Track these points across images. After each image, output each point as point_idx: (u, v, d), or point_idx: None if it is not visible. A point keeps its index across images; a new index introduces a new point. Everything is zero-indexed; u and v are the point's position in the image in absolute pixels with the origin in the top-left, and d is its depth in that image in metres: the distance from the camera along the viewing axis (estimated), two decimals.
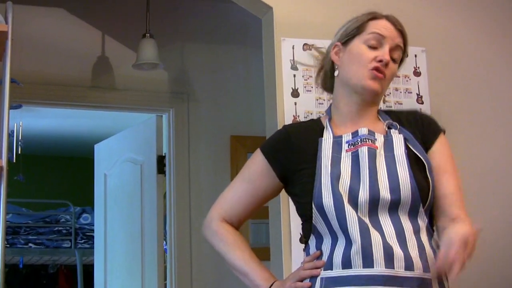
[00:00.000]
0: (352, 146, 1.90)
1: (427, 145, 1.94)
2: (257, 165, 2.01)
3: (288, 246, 2.84)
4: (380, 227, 1.80)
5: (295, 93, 2.99)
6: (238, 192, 2.02)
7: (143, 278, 4.57)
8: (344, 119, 1.98)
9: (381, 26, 1.95)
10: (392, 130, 1.94)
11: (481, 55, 3.34)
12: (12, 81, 2.82)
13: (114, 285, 4.92)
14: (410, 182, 1.82)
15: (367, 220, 1.80)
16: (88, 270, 6.46)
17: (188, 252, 4.41)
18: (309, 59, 3.03)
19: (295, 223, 2.85)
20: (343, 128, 1.96)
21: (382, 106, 2.09)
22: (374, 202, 1.81)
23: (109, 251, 5.01)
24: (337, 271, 1.80)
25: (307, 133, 1.99)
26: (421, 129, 1.97)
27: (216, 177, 4.50)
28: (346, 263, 1.79)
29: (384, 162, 1.86)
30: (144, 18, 4.28)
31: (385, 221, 1.81)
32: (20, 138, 4.13)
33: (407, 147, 1.89)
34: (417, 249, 1.80)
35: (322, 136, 1.94)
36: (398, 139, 1.90)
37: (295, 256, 2.82)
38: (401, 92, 3.10)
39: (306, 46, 3.04)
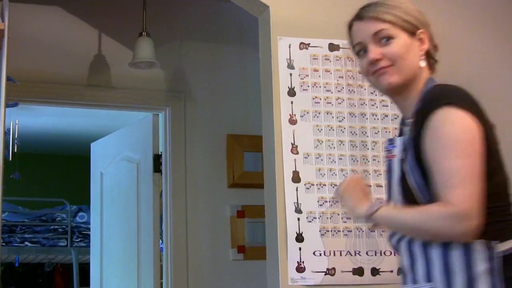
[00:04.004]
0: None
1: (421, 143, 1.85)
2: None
3: (284, 245, 2.84)
4: None
5: (291, 92, 2.99)
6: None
7: (139, 277, 4.56)
8: None
9: (355, 34, 1.99)
10: (404, 130, 1.99)
11: (482, 57, 3.34)
12: (8, 79, 2.81)
13: (110, 284, 4.92)
14: (398, 190, 1.91)
15: None
16: (84, 269, 6.45)
17: (184, 251, 4.40)
18: (305, 58, 3.03)
19: (291, 222, 2.85)
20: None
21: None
22: None
23: (105, 250, 5.01)
24: None
25: None
26: (421, 121, 1.86)
27: (213, 176, 4.49)
28: None
29: (397, 167, 1.93)
30: (140, 16, 4.27)
31: None
32: (16, 136, 4.11)
33: (404, 151, 1.92)
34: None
35: None
36: (399, 144, 1.95)
37: (291, 255, 2.82)
38: None
39: (302, 45, 3.04)
